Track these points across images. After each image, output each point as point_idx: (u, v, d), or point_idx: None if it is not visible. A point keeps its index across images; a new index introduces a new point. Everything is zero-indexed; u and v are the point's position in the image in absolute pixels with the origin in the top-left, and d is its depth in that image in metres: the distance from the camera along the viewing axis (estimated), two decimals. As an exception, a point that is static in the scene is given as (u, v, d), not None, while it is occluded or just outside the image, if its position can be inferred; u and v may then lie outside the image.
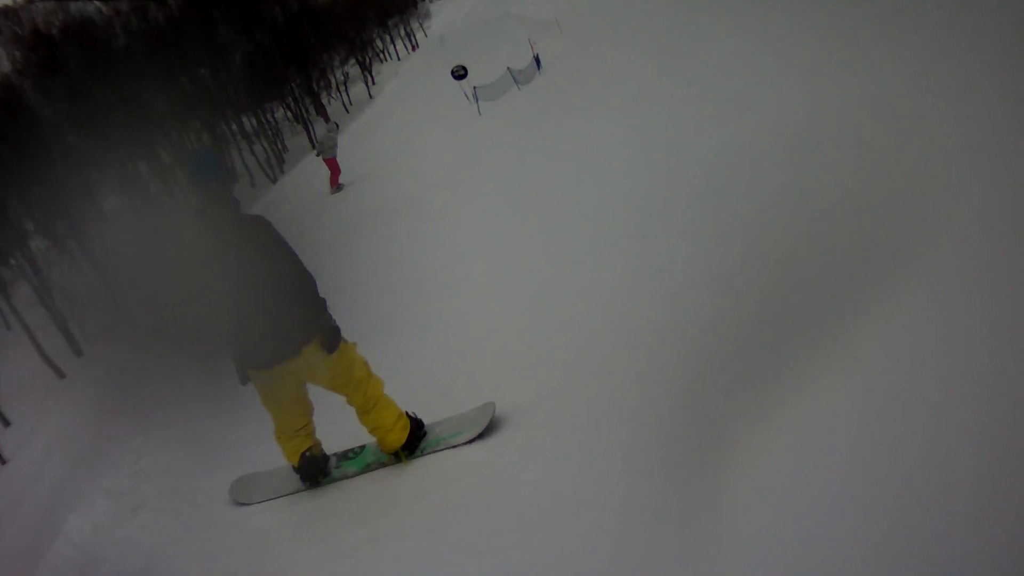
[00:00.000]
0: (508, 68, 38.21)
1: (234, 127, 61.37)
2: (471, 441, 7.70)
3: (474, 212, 16.63)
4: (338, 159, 31.01)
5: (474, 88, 35.89)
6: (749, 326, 7.14)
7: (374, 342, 8.69)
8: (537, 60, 40.02)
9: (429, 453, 7.83)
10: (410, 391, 8.26)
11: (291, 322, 7.21)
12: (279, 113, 66.23)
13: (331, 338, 7.39)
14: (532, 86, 35.88)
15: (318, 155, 32.99)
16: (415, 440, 7.88)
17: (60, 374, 31.40)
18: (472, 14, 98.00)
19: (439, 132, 32.24)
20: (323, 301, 7.41)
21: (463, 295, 12.25)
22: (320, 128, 51.10)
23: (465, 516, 6.62)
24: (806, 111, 10.73)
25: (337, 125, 35.49)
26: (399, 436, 7.75)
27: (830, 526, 4.25)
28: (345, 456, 8.28)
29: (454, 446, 7.73)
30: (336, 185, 30.59)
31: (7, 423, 32.45)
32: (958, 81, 8.24)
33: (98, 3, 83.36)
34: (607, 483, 6.15)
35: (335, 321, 7.49)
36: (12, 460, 27.64)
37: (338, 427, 8.22)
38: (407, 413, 7.93)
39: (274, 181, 54.08)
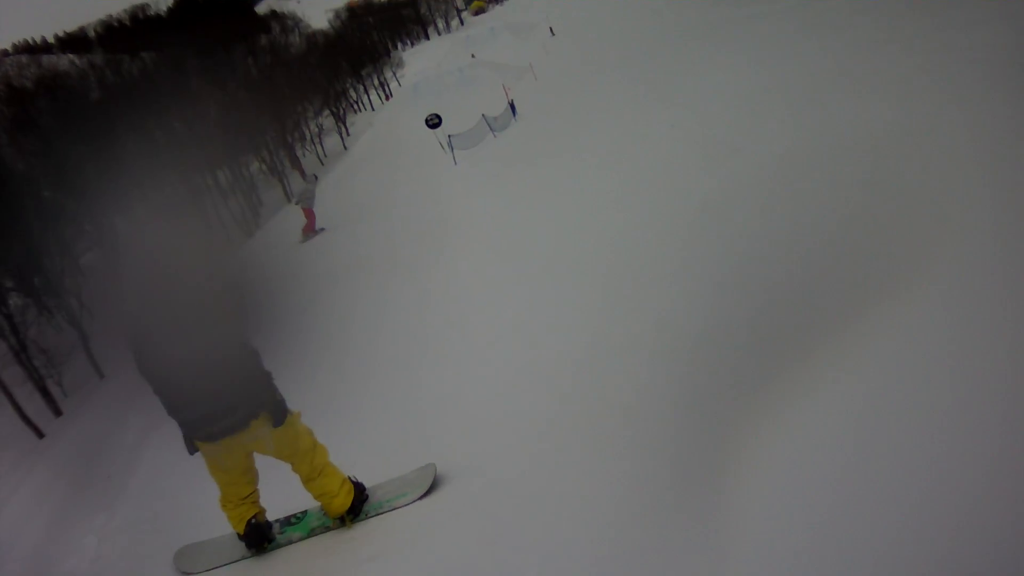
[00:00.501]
0: (483, 115, 37.67)
1: (209, 181, 61.13)
2: (414, 502, 7.96)
3: (444, 267, 16.47)
4: (314, 210, 32.25)
5: (449, 137, 35.48)
6: (750, 333, 7.41)
7: (319, 407, 8.93)
8: (512, 106, 39.49)
9: (374, 516, 8.04)
10: (349, 455, 8.37)
11: (238, 398, 7.32)
12: (254, 166, 66.00)
13: (278, 412, 7.53)
14: (508, 133, 35.58)
15: (296, 203, 34.74)
16: (359, 504, 8.09)
17: (39, 434, 31.01)
18: (445, 62, 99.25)
19: (414, 183, 31.93)
20: (269, 375, 7.56)
21: (416, 355, 12.37)
22: (298, 181, 53.34)
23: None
24: (817, 116, 10.99)
25: (316, 177, 37.03)
26: (344, 501, 7.95)
27: (833, 531, 4.33)
28: (288, 522, 8.44)
29: (397, 508, 7.98)
30: (308, 232, 31.81)
31: (-12, 483, 31.42)
32: (962, 87, 8.81)
33: (71, 57, 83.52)
34: (554, 537, 6.32)
35: (280, 394, 7.61)
36: None
37: (277, 491, 8.26)
38: (350, 478, 8.13)
39: (250, 235, 53.78)
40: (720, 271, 9.09)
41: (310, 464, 7.83)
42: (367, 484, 8.29)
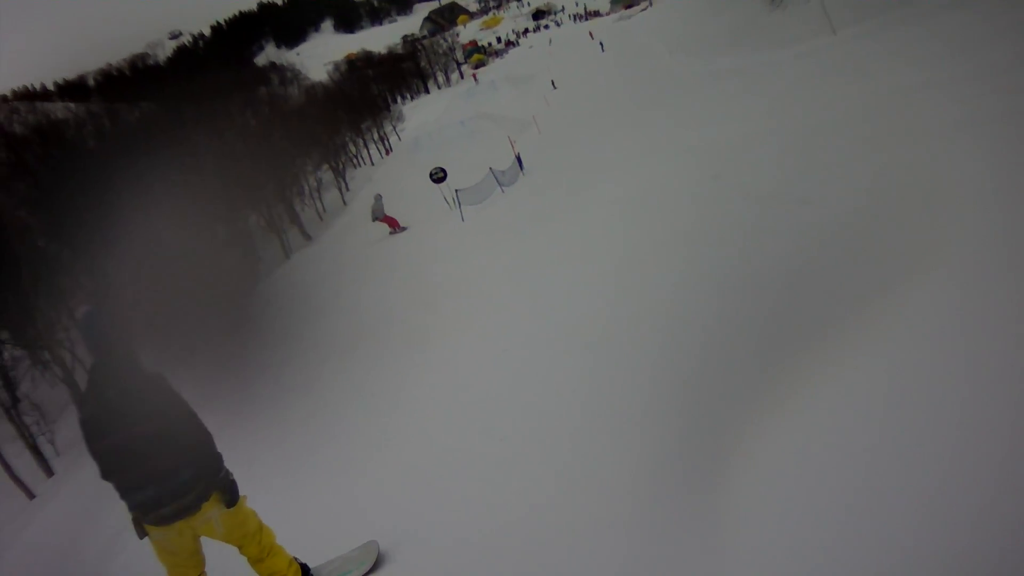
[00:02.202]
0: (491, 169, 36.86)
1: (206, 236, 60.48)
2: None
3: (450, 334, 15.79)
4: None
5: (456, 192, 34.55)
6: (756, 331, 7.80)
7: (261, 486, 8.82)
8: (519, 160, 38.93)
9: None
10: (289, 536, 8.34)
11: (190, 481, 7.30)
12: (252, 220, 65.34)
13: (230, 492, 7.56)
14: (516, 187, 35.00)
15: (374, 220, 40.59)
16: None
17: (30, 495, 30.26)
18: (445, 115, 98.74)
19: (417, 243, 31.15)
20: (220, 457, 7.55)
21: (385, 429, 12.42)
22: (296, 237, 57.56)
23: None
24: (826, 116, 11.79)
25: (380, 195, 42.32)
26: None
27: (838, 527, 4.47)
28: None
29: None
30: (396, 229, 39.21)
31: (-24, 545, 30.73)
32: (964, 88, 9.47)
33: (69, 104, 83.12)
34: None
35: (231, 475, 7.63)
36: None
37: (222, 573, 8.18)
38: (294, 559, 8.19)
39: (247, 294, 53.15)
40: (724, 271, 9.66)
41: (258, 545, 7.86)
42: (310, 564, 8.36)
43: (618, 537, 6.36)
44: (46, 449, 33.39)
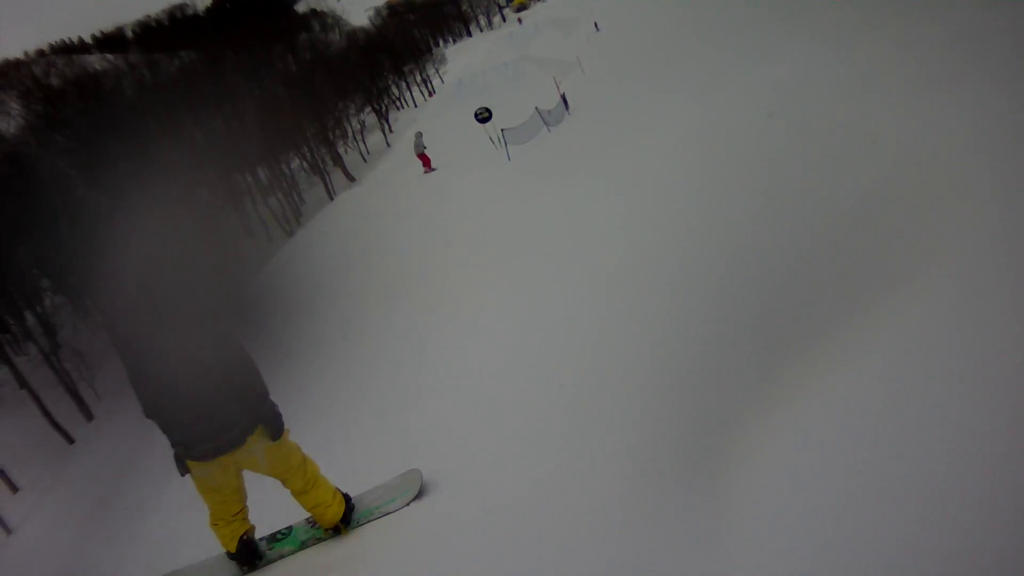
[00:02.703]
0: (536, 109, 36.16)
1: (249, 179, 60.30)
2: (403, 507, 8.04)
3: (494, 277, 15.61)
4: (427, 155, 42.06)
5: (502, 131, 33.96)
6: (754, 327, 7.69)
7: (310, 419, 9.17)
8: (564, 100, 38.14)
9: (365, 523, 8.07)
10: (332, 468, 8.31)
11: (235, 414, 7.19)
12: (295, 164, 65.10)
13: (275, 426, 7.42)
14: (562, 127, 34.19)
15: (417, 152, 42.78)
16: (348, 513, 8.10)
17: (69, 439, 30.01)
18: (489, 58, 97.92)
19: (464, 182, 29.88)
20: (266, 390, 7.44)
21: (416, 367, 12.64)
22: (340, 178, 58.75)
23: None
24: (820, 115, 11.32)
25: (421, 132, 45.14)
26: (337, 511, 7.97)
27: (836, 527, 4.43)
28: (274, 538, 8.40)
29: (387, 513, 8.04)
30: (428, 169, 40.72)
31: (15, 489, 30.79)
32: (966, 86, 9.04)
33: (108, 56, 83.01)
34: (545, 537, 6.60)
35: (277, 408, 7.49)
36: (17, 530, 26.59)
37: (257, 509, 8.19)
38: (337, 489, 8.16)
39: (291, 235, 52.83)
40: (723, 269, 9.37)
41: (303, 478, 7.79)
42: (352, 494, 8.29)
43: (615, 525, 6.31)
44: (86, 394, 33.22)
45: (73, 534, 16.28)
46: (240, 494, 7.72)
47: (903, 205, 7.60)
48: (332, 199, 53.96)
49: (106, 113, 50.12)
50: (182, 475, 7.45)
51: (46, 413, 30.42)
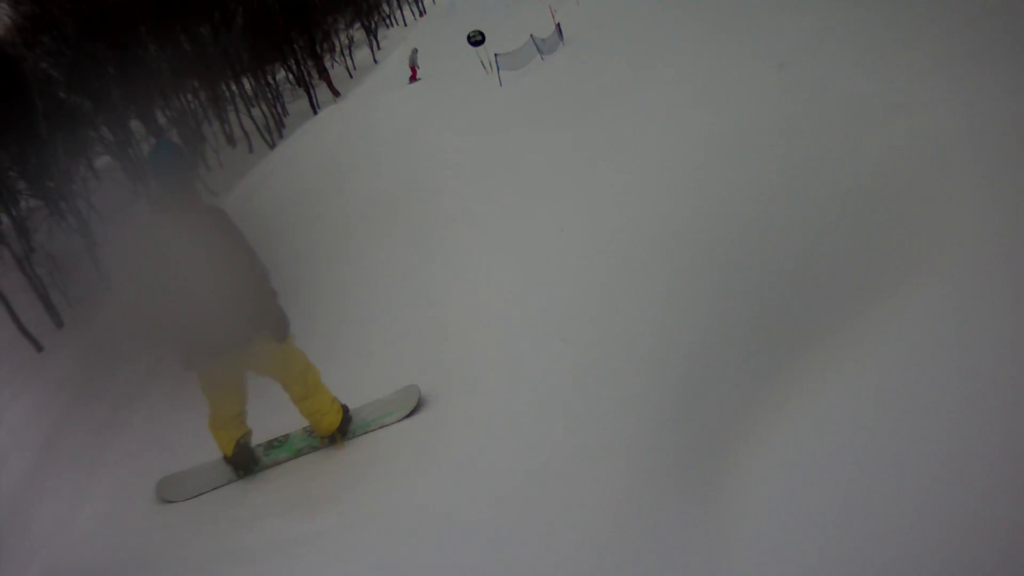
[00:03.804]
0: (531, 36, 35.61)
1: (233, 88, 59.78)
2: (400, 421, 8.46)
3: (471, 206, 15.54)
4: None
5: (495, 55, 33.20)
6: (753, 324, 7.45)
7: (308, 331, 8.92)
8: (559, 29, 37.61)
9: (361, 434, 8.52)
10: (335, 380, 8.70)
11: (243, 313, 7.61)
12: (280, 76, 64.54)
13: (281, 328, 7.87)
14: (556, 56, 33.85)
15: (409, 64, 48.36)
16: (345, 424, 8.55)
17: (38, 347, 29.64)
18: None
19: (453, 103, 29.73)
20: (275, 292, 7.84)
21: (413, 290, 12.58)
22: (324, 93, 61.09)
23: (405, 491, 7.24)
24: (820, 114, 10.67)
25: (416, 49, 50.60)
26: (334, 419, 8.38)
27: (837, 529, 4.29)
28: (271, 445, 8.85)
29: (384, 426, 8.48)
30: (414, 80, 44.88)
31: (-20, 395, 30.33)
32: (965, 81, 8.78)
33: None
34: (546, 452, 6.81)
35: (283, 311, 7.90)
36: None
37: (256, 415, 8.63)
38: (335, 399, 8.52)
39: (272, 147, 52.40)
40: (722, 267, 9.04)
41: (303, 383, 8.14)
42: (350, 407, 8.71)
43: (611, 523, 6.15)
44: (58, 300, 32.82)
45: (39, 444, 16.03)
46: (241, 395, 8.26)
47: (903, 200, 7.46)
48: (316, 113, 53.64)
49: (94, 16, 49.42)
50: (185, 369, 7.84)
51: (15, 318, 30.02)
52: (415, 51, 49.14)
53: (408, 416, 8.41)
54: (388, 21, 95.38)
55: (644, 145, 13.59)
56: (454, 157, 19.83)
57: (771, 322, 7.14)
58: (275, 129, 58.72)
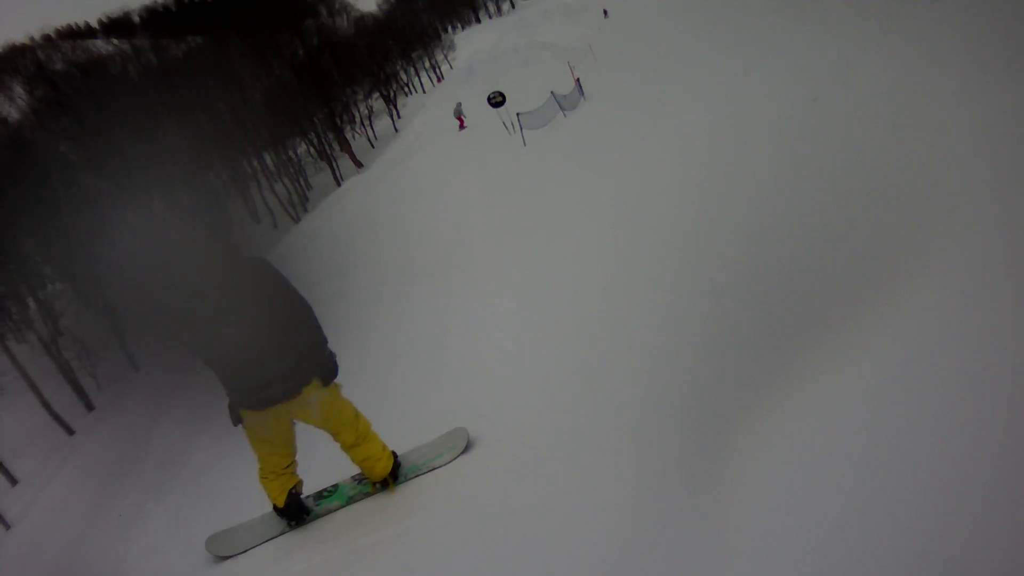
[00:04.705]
0: (552, 93, 35.28)
1: (255, 164, 59.95)
2: (449, 463, 8.29)
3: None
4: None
5: (517, 115, 33.11)
6: (755, 327, 7.47)
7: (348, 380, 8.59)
8: (579, 85, 37.34)
9: (412, 477, 8.34)
10: (378, 426, 8.49)
11: (292, 364, 7.39)
12: (301, 149, 64.72)
13: (329, 372, 7.69)
14: (578, 112, 33.46)
15: (455, 115, 52.25)
16: (396, 469, 8.36)
17: (69, 430, 29.39)
18: (498, 44, 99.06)
19: (476, 168, 29.45)
20: (324, 338, 7.68)
21: (438, 338, 12.86)
22: (347, 164, 62.38)
23: (456, 526, 7.20)
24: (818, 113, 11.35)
25: (461, 103, 53.25)
26: (387, 465, 8.23)
27: (838, 529, 4.33)
28: (320, 495, 8.66)
29: (434, 469, 8.30)
30: (462, 126, 49.28)
31: (14, 482, 30.13)
32: (964, 79, 8.89)
33: (116, 42, 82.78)
34: (594, 493, 6.56)
35: (334, 356, 7.77)
36: (16, 525, 25.64)
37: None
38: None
39: (296, 220, 52.41)
40: (723, 268, 9.19)
41: (355, 431, 8.03)
42: (398, 452, 8.55)
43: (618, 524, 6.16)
44: (87, 383, 32.72)
45: (73, 529, 15.82)
46: (291, 447, 8.06)
47: (903, 200, 7.52)
48: (339, 185, 53.92)
49: (111, 98, 49.62)
50: (234, 424, 7.70)
51: (45, 404, 29.84)
52: (460, 104, 52.61)
53: (458, 458, 8.31)
54: (407, 89, 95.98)
55: (678, 196, 13.09)
56: (481, 219, 19.82)
57: (775, 321, 7.25)
58: (299, 203, 58.82)
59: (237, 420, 7.70)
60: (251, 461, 8.21)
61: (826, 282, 7.18)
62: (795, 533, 4.56)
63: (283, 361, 7.34)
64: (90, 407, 32.20)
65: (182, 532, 10.09)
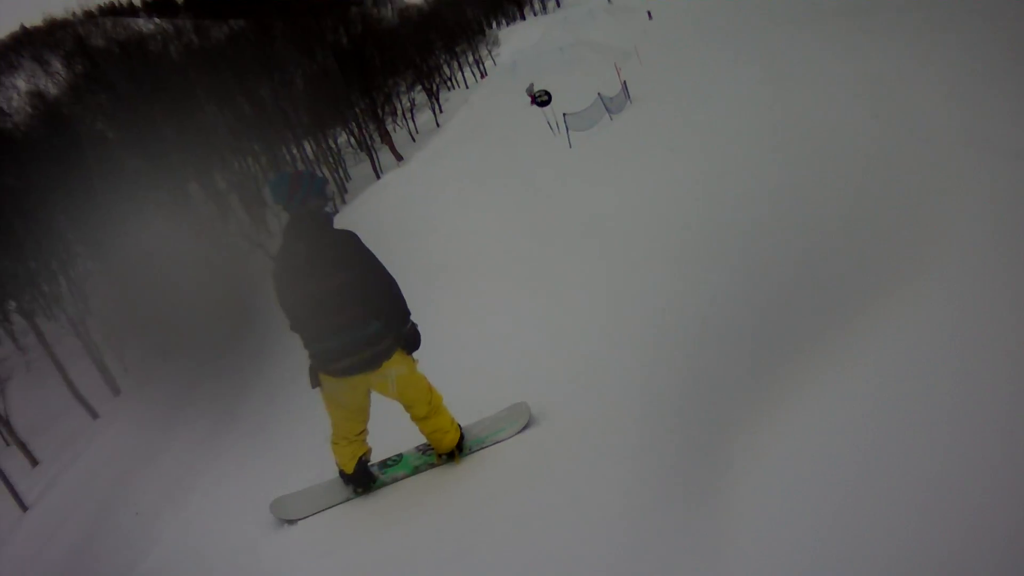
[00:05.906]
0: (599, 94, 34.33)
1: (294, 151, 59.59)
2: (512, 436, 8.37)
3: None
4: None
5: (564, 115, 32.39)
6: (757, 327, 7.70)
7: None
8: (625, 87, 36.66)
9: (477, 450, 8.43)
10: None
11: (375, 335, 7.49)
12: (342, 139, 64.35)
13: (412, 344, 7.81)
14: (624, 115, 32.52)
15: (529, 94, 46.47)
16: (462, 441, 8.46)
17: (94, 414, 29.01)
18: (543, 41, 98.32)
19: (520, 166, 29.17)
20: (408, 311, 7.78)
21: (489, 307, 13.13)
22: (387, 156, 59.83)
23: (516, 501, 7.15)
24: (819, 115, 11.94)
25: (533, 84, 50.23)
26: (454, 437, 8.34)
27: (837, 527, 4.44)
28: (385, 464, 8.75)
29: (498, 442, 8.39)
30: (534, 103, 43.81)
31: (35, 462, 29.90)
32: (962, 80, 9.48)
33: (157, 20, 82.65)
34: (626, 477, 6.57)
35: (416, 327, 7.88)
36: (35, 506, 26.00)
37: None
38: None
39: (335, 212, 52.15)
40: (725, 268, 9.55)
41: (428, 404, 8.11)
42: (461, 424, 8.60)
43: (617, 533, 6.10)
44: (114, 367, 32.31)
45: (88, 516, 15.43)
46: (364, 415, 8.11)
47: (903, 203, 7.81)
48: (379, 178, 53.33)
49: (150, 77, 49.35)
50: (312, 387, 7.85)
51: (71, 385, 29.46)
52: (532, 85, 49.98)
53: (520, 432, 8.36)
54: (450, 83, 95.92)
55: (730, 203, 12.65)
56: (526, 222, 19.20)
57: (772, 324, 7.42)
58: (338, 194, 58.39)
59: (316, 383, 7.83)
60: (274, 461, 8.63)
61: (826, 285, 7.47)
62: (792, 541, 4.61)
63: (365, 332, 7.47)
64: (116, 391, 31.85)
65: (191, 542, 9.63)
